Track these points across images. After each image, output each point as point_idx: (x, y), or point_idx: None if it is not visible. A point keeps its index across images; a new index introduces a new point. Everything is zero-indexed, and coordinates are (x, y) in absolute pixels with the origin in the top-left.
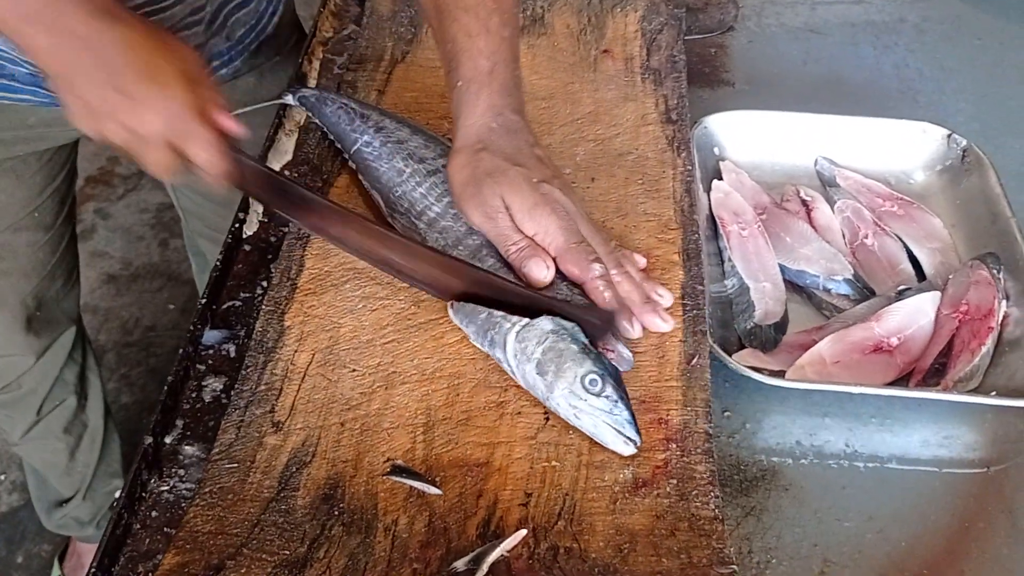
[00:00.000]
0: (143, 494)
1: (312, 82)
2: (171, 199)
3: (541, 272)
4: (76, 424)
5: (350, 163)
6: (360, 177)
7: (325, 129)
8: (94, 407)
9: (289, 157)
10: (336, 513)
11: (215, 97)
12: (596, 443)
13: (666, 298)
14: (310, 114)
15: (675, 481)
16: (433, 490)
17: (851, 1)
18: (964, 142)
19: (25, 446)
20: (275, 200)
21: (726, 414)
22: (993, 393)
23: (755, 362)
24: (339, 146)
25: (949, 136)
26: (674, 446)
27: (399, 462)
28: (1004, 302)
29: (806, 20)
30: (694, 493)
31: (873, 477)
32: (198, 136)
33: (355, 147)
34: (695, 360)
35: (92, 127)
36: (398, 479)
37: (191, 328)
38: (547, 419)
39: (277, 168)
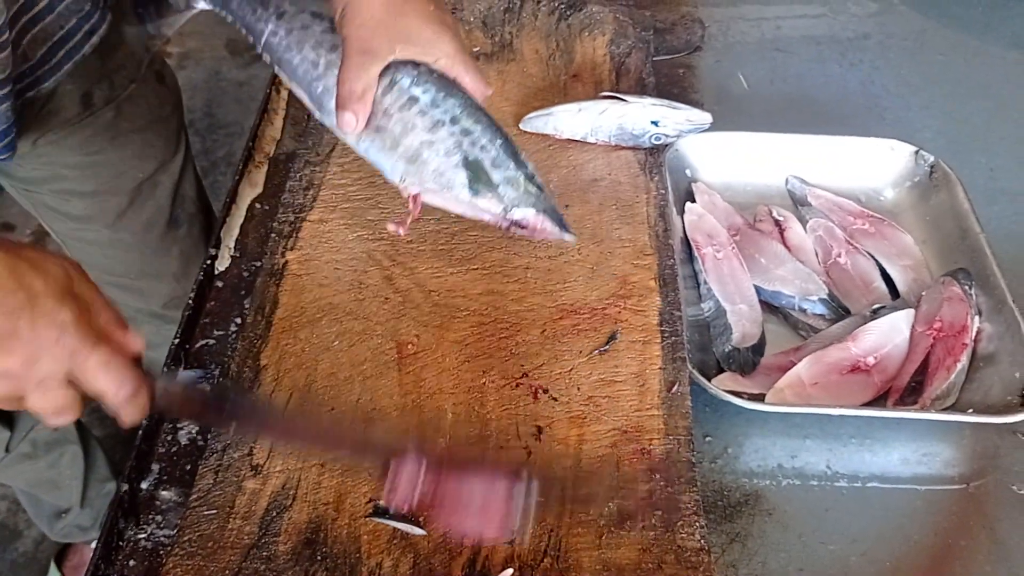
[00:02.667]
0: (120, 543)
1: (280, 111)
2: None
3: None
4: (52, 445)
5: (264, 57)
6: (278, 71)
7: (237, 24)
8: (67, 426)
9: (259, 190)
10: (319, 558)
11: (103, 307)
12: (580, 477)
13: None
14: (220, 11)
15: (660, 512)
16: (417, 531)
17: (814, 15)
18: (931, 159)
19: (2, 474)
20: (209, 418)
21: (707, 439)
22: (970, 410)
23: (734, 386)
24: (251, 40)
25: (917, 153)
26: (658, 476)
27: (381, 503)
28: (976, 318)
29: (772, 38)
30: (679, 524)
31: (855, 497)
32: (92, 358)
33: (263, 39)
34: (675, 388)
35: None
36: (381, 520)
37: (164, 369)
38: (529, 453)
39: (247, 201)
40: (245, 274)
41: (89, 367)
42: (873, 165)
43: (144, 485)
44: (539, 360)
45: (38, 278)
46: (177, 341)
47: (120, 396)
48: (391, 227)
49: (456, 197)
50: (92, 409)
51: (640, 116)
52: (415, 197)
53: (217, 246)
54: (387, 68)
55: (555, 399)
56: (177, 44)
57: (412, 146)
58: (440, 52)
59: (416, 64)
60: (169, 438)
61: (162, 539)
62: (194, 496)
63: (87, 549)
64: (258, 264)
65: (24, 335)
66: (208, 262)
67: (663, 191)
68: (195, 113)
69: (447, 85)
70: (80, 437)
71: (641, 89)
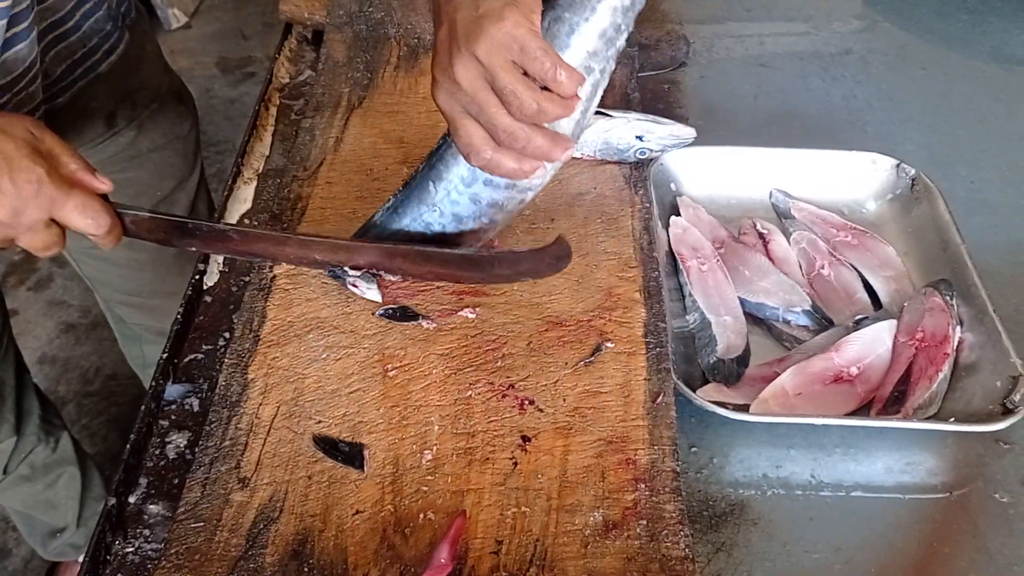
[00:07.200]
0: (107, 557)
1: (269, 128)
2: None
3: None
4: (50, 467)
5: None
6: None
7: None
8: (64, 446)
9: (248, 205)
10: (306, 570)
11: (70, 157)
12: (565, 487)
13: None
14: None
15: (645, 522)
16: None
17: (798, 32)
18: (913, 171)
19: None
20: (174, 240)
21: (693, 449)
22: (952, 419)
23: (719, 397)
24: None
25: (898, 166)
26: (643, 486)
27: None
28: (958, 328)
29: (756, 54)
30: (664, 533)
31: (839, 507)
32: (69, 203)
33: None
34: (660, 398)
35: None
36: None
37: (152, 383)
38: (515, 464)
39: (236, 217)
40: (234, 289)
41: (67, 211)
42: (855, 178)
43: (132, 499)
44: (525, 372)
45: (8, 141)
46: (166, 356)
47: (98, 231)
48: None
49: None
50: (84, 427)
51: (625, 131)
52: None
53: (206, 261)
54: None
55: (541, 410)
56: (168, 62)
57: None
58: None
59: None
60: (157, 452)
61: (150, 553)
62: (181, 509)
63: (77, 566)
64: (246, 279)
65: (7, 191)
66: (196, 277)
67: (648, 204)
68: None
69: None
70: (78, 458)
71: (626, 104)
